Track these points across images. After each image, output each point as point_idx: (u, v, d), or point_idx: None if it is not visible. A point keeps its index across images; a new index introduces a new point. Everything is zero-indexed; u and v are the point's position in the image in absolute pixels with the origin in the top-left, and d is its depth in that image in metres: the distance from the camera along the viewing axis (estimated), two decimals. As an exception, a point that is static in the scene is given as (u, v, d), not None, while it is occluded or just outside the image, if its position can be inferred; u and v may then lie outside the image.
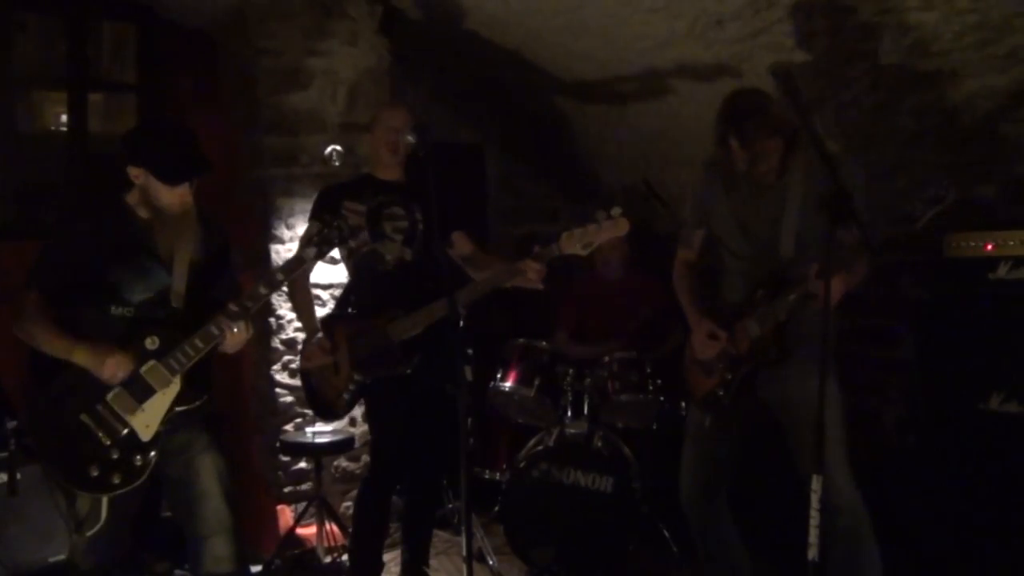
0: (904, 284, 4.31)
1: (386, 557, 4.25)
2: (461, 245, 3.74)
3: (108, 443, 2.78)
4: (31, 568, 3.56)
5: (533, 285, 3.38)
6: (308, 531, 4.39)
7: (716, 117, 3.09)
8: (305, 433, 4.40)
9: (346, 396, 3.64)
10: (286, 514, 4.49)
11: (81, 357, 2.75)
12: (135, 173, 2.85)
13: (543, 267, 3.35)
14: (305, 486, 4.55)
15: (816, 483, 2.55)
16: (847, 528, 3.04)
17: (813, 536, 2.56)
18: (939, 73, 3.65)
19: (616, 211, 3.24)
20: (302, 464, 4.55)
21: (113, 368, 2.76)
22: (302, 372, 3.87)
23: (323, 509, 4.30)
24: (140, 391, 2.80)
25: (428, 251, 3.64)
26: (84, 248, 2.83)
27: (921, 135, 3.95)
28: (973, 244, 3.73)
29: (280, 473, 4.54)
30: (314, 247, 2.94)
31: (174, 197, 2.85)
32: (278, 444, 4.43)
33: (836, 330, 3.14)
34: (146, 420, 2.81)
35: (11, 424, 3.68)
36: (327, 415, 3.83)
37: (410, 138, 3.35)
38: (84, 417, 2.77)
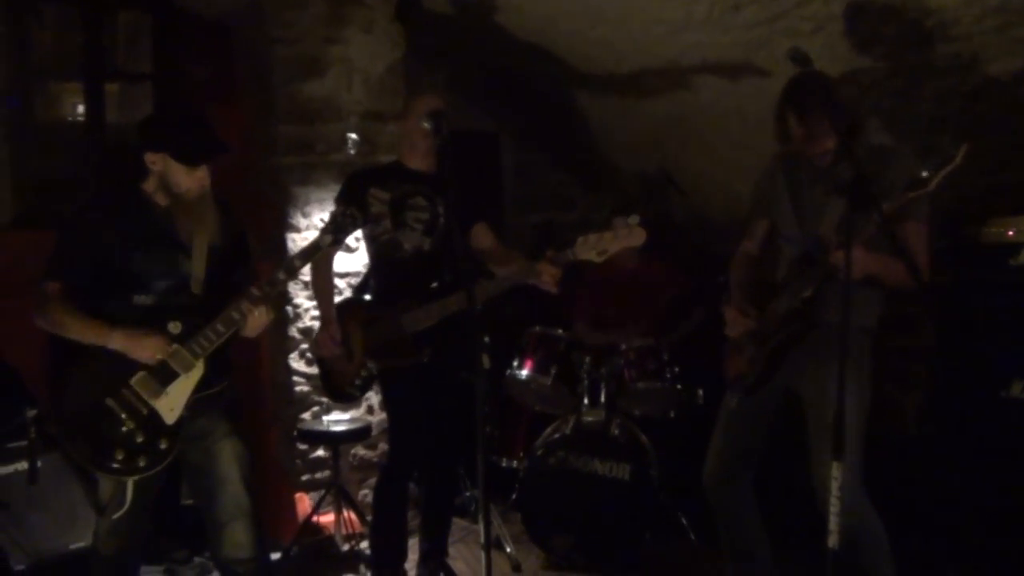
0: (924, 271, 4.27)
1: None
2: (482, 237, 3.72)
3: (133, 426, 2.79)
4: (52, 555, 3.58)
5: (547, 287, 3.38)
6: (326, 519, 4.40)
7: (779, 96, 3.09)
8: (322, 421, 4.41)
9: (358, 382, 3.67)
10: (304, 502, 4.51)
11: (118, 341, 2.77)
12: (152, 159, 2.86)
13: (559, 271, 3.34)
14: (323, 474, 4.56)
15: (836, 471, 2.53)
16: (848, 528, 3.03)
17: (833, 524, 2.55)
18: (960, 57, 3.61)
19: (633, 219, 3.22)
20: (320, 452, 4.56)
21: (152, 349, 2.78)
22: (316, 355, 3.88)
23: (341, 497, 4.32)
24: (164, 375, 2.81)
25: (448, 243, 3.63)
26: (102, 237, 2.84)
27: (942, 120, 3.91)
28: (995, 230, 3.69)
29: (298, 461, 4.56)
30: (329, 234, 2.95)
31: (193, 181, 2.86)
32: (295, 432, 4.44)
33: (867, 332, 3.14)
34: (170, 404, 2.83)
35: (31, 413, 3.70)
36: (340, 398, 3.87)
37: (426, 125, 3.35)
38: (109, 401, 2.78)
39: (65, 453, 2.84)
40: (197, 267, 2.90)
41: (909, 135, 4.04)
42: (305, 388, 4.56)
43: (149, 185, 2.91)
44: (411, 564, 3.98)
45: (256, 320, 2.87)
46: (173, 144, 2.83)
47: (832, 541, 2.54)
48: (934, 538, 3.60)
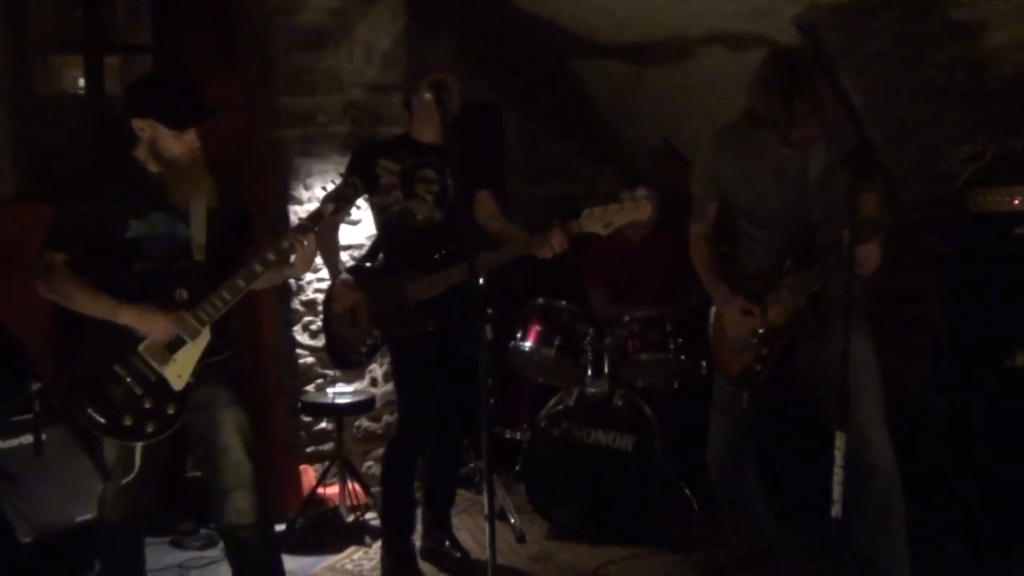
0: (929, 240, 4.26)
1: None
2: (485, 204, 3.71)
3: (140, 392, 2.81)
4: (58, 528, 3.60)
5: (546, 255, 3.37)
6: (331, 491, 4.42)
7: (773, 75, 2.91)
8: (326, 394, 4.42)
9: (364, 348, 3.68)
10: (309, 474, 4.53)
11: (127, 317, 2.77)
12: (140, 126, 2.84)
13: (566, 240, 3.33)
14: (327, 446, 4.58)
15: (840, 440, 2.52)
16: (883, 489, 3.01)
17: (837, 493, 2.54)
18: (966, 25, 3.57)
19: (640, 192, 3.23)
20: (324, 424, 4.58)
21: (162, 327, 2.79)
22: (325, 319, 3.90)
23: (345, 469, 4.33)
24: (171, 342, 2.82)
25: (456, 214, 3.62)
26: (99, 206, 2.83)
27: (948, 89, 3.88)
28: (999, 199, 3.66)
29: (302, 433, 4.57)
30: (332, 202, 2.96)
31: (182, 146, 2.84)
32: (299, 405, 4.46)
33: (869, 291, 3.10)
34: (177, 370, 2.84)
35: (35, 385, 3.71)
36: (346, 365, 3.93)
37: (427, 95, 3.33)
38: (117, 367, 2.80)
39: (74, 418, 2.83)
40: (197, 233, 2.89)
41: (914, 103, 4.02)
42: (309, 360, 4.56)
43: (140, 152, 2.90)
44: (416, 535, 4.01)
45: (303, 258, 2.93)
46: (159, 109, 2.81)
47: (835, 511, 2.54)
48: (935, 509, 3.61)
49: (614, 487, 4.11)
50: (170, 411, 2.84)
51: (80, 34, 4.84)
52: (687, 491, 4.38)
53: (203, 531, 4.16)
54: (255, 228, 3.18)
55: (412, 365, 3.72)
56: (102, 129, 4.82)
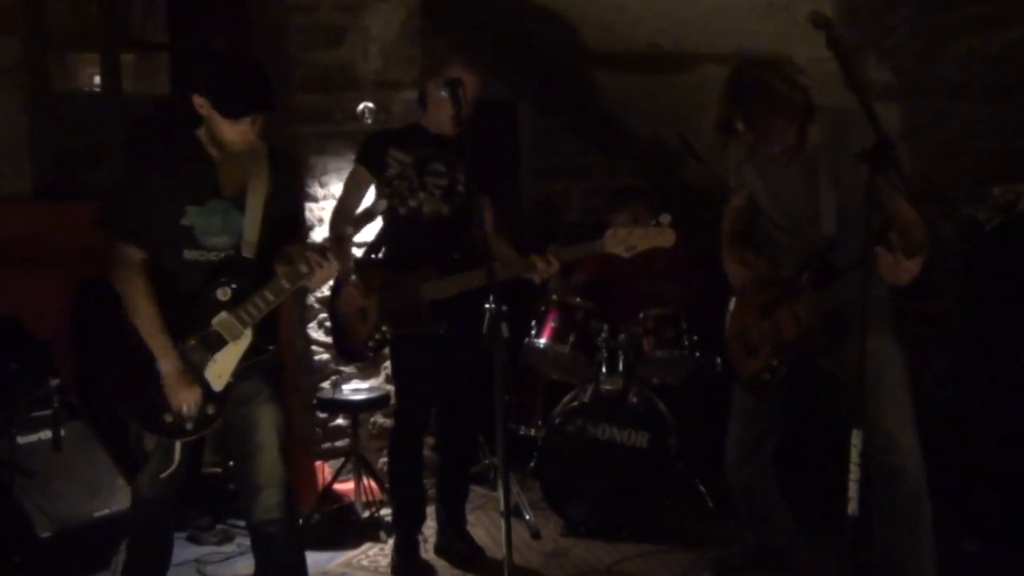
0: (945, 236, 4.23)
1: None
2: (484, 209, 3.70)
3: None
4: (76, 523, 3.62)
5: (532, 279, 3.40)
6: (346, 486, 4.43)
7: (719, 97, 2.98)
8: (341, 390, 4.43)
9: (372, 343, 3.65)
10: (324, 470, 4.55)
11: (165, 369, 2.75)
12: (199, 102, 2.73)
13: (556, 267, 3.36)
14: (342, 442, 4.59)
15: (856, 437, 2.52)
16: (910, 493, 3.00)
17: (853, 491, 2.53)
18: (982, 20, 3.55)
19: (665, 219, 3.19)
20: (339, 421, 4.59)
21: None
22: (331, 312, 3.86)
23: (360, 465, 4.35)
24: (212, 342, 2.80)
25: (466, 212, 3.61)
26: (161, 193, 2.78)
27: (965, 84, 3.86)
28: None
29: (318, 430, 4.59)
30: (384, 200, 2.90)
31: (235, 134, 2.74)
32: (315, 401, 4.47)
33: (890, 289, 3.08)
34: (218, 371, 2.82)
35: (54, 382, 3.74)
36: (352, 358, 3.94)
37: (443, 93, 3.32)
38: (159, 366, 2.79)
39: (115, 412, 2.82)
40: (250, 230, 2.83)
41: (930, 99, 3.99)
42: (324, 357, 4.58)
43: (203, 133, 2.81)
44: (432, 531, 4.02)
45: (322, 276, 2.83)
46: (214, 90, 2.70)
47: (852, 508, 2.53)
48: (952, 505, 3.59)
49: (629, 484, 4.11)
50: (209, 411, 2.83)
51: (97, 31, 4.86)
52: (702, 488, 4.38)
53: (219, 527, 4.18)
54: (303, 226, 3.11)
55: (412, 364, 3.73)
56: (119, 126, 4.83)
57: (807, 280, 3.07)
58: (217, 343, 2.81)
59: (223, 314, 2.80)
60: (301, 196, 3.08)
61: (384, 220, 3.83)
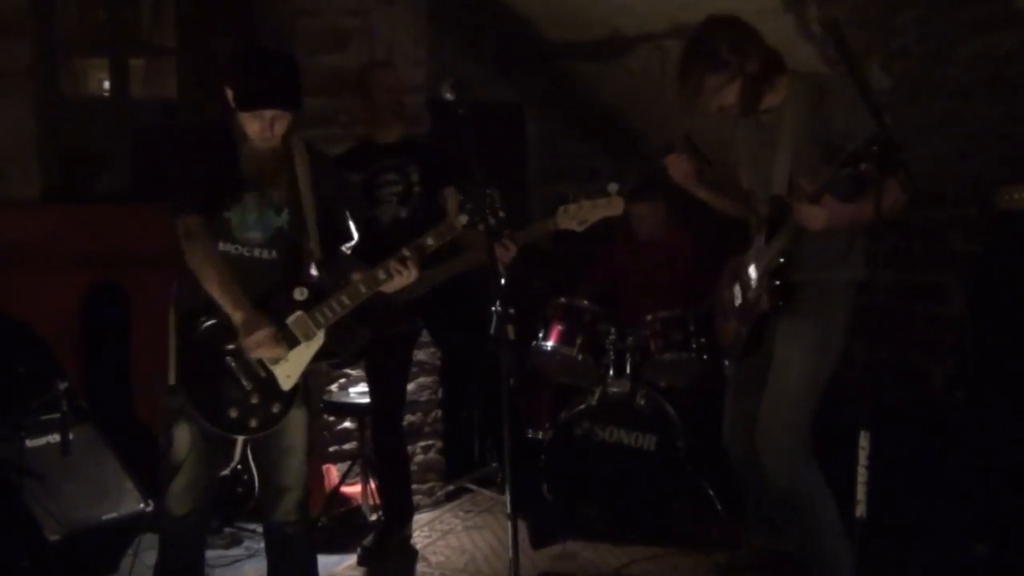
0: (954, 238, 4.22)
1: (427, 516, 4.32)
2: (451, 201, 3.74)
3: (249, 388, 2.80)
4: (85, 526, 3.62)
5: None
6: (353, 490, 4.44)
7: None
8: (348, 394, 4.44)
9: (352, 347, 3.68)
10: (331, 473, 4.55)
11: (237, 319, 2.74)
12: (228, 93, 2.75)
13: (513, 251, 3.38)
14: (349, 445, 4.59)
15: (864, 440, 2.51)
16: (777, 490, 3.12)
17: (860, 493, 2.53)
18: (990, 21, 3.54)
19: (612, 187, 3.18)
20: (346, 424, 4.59)
21: (256, 346, 2.75)
22: None
23: (367, 468, 4.35)
24: (285, 340, 2.80)
25: (426, 210, 3.69)
26: (212, 166, 2.78)
27: (973, 86, 3.84)
28: (1024, 197, 3.63)
29: (324, 433, 4.59)
30: (466, 215, 2.86)
31: (254, 129, 2.75)
32: (322, 404, 4.47)
33: (856, 279, 3.10)
34: (288, 370, 2.82)
35: (62, 385, 3.74)
36: (335, 364, 4.02)
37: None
38: (229, 360, 2.79)
39: (183, 405, 2.81)
40: (312, 232, 2.85)
41: (937, 100, 3.98)
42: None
43: (235, 124, 2.81)
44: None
45: (399, 283, 2.87)
46: (235, 80, 2.72)
47: (859, 510, 2.53)
48: (961, 508, 3.58)
49: (636, 487, 4.10)
50: (275, 409, 2.83)
51: (105, 36, 4.88)
52: (710, 491, 4.36)
53: (227, 530, 4.18)
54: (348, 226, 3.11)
55: (387, 367, 3.87)
56: (128, 130, 4.84)
57: (758, 240, 3.17)
58: (290, 342, 2.80)
59: (298, 313, 2.79)
60: (344, 197, 3.09)
61: None
